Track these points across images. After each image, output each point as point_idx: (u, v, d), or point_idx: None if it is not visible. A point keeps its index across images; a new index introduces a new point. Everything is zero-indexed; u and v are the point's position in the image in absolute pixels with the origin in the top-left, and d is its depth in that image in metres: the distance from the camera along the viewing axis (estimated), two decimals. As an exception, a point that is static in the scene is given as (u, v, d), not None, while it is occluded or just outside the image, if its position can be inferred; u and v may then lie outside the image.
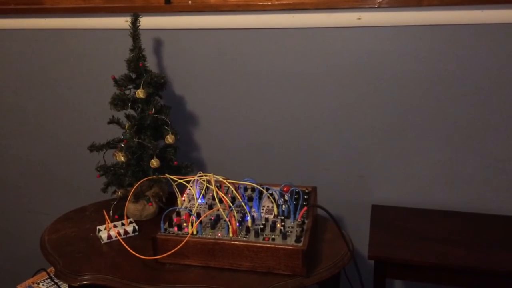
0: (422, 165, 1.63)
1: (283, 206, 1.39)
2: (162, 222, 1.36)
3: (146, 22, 1.62)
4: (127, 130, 1.54)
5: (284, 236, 1.27)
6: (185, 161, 1.65)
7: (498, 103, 1.52)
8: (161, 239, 1.31)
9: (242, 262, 1.28)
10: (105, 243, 1.46)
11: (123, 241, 1.42)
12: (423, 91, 1.57)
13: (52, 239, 1.49)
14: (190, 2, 1.71)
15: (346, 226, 1.73)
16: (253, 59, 1.70)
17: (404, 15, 1.51)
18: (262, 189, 1.43)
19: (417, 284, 1.68)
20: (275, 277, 1.25)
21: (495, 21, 1.45)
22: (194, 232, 1.32)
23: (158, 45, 1.78)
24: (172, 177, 1.50)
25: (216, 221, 1.36)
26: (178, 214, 1.40)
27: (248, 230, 1.31)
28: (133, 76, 1.57)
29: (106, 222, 1.50)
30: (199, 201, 1.46)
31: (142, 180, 1.53)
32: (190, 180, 1.48)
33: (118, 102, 1.55)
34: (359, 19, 1.55)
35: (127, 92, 1.57)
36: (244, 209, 1.38)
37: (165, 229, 1.35)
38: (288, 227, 1.32)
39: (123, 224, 1.51)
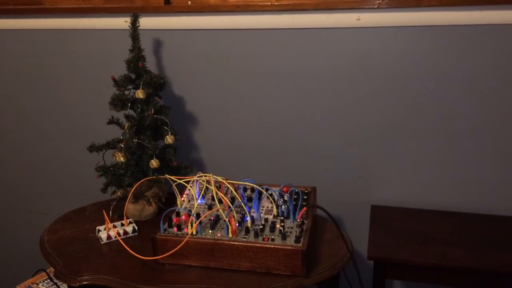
0: (421, 166, 1.63)
1: (283, 206, 1.39)
2: (161, 222, 1.36)
3: (146, 22, 1.62)
4: (127, 131, 1.54)
5: (284, 236, 1.27)
6: (185, 162, 1.65)
7: (497, 104, 1.52)
8: (160, 240, 1.31)
9: (241, 263, 1.28)
10: (105, 244, 1.46)
11: (123, 241, 1.42)
12: (423, 92, 1.57)
13: (51, 239, 1.49)
14: (189, 2, 1.72)
15: (346, 227, 1.73)
16: (252, 60, 1.70)
17: (403, 15, 1.51)
18: (261, 189, 1.44)
19: (417, 284, 1.68)
20: (274, 277, 1.25)
21: (494, 21, 1.45)
22: (194, 233, 1.32)
23: (157, 45, 1.78)
24: (172, 177, 1.50)
25: (215, 222, 1.36)
26: (178, 214, 1.40)
27: (247, 231, 1.31)
28: (133, 76, 1.58)
29: (106, 223, 1.50)
30: (199, 201, 1.46)
31: (141, 181, 1.53)
32: (190, 181, 1.48)
33: (118, 102, 1.55)
34: (358, 19, 1.55)
35: (126, 92, 1.57)
36: (244, 210, 1.38)
37: (165, 230, 1.35)
38: (288, 228, 1.32)
39: (122, 225, 1.51)
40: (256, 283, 1.24)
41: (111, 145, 1.59)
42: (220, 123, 1.81)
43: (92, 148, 1.58)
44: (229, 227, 1.30)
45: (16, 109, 2.07)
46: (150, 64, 1.69)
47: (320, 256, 1.35)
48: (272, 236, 1.29)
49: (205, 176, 1.48)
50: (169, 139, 1.56)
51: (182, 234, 1.33)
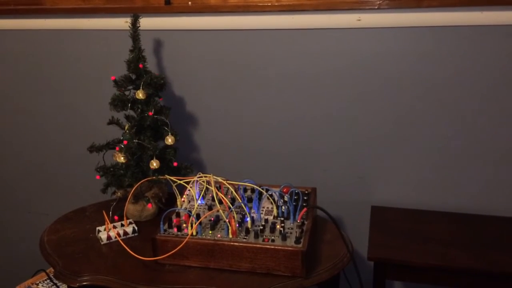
0: (421, 166, 1.63)
1: (283, 207, 1.39)
2: (161, 223, 1.36)
3: (146, 23, 1.62)
4: (127, 131, 1.54)
5: (284, 237, 1.27)
6: (185, 162, 1.65)
7: (497, 104, 1.52)
8: (160, 240, 1.31)
9: (241, 263, 1.28)
10: (105, 244, 1.46)
11: (123, 242, 1.42)
12: (423, 92, 1.57)
13: (51, 239, 1.49)
14: (190, 3, 1.71)
15: (346, 227, 1.73)
16: (252, 60, 1.70)
17: (404, 16, 1.51)
18: (261, 190, 1.43)
19: (417, 285, 1.67)
20: (274, 278, 1.25)
21: (494, 22, 1.45)
22: (194, 233, 1.32)
23: (158, 46, 1.78)
24: (172, 178, 1.50)
25: (215, 222, 1.36)
26: (178, 215, 1.40)
27: (247, 231, 1.31)
28: (133, 77, 1.58)
29: (106, 223, 1.50)
30: (199, 202, 1.46)
31: (141, 181, 1.53)
32: (190, 181, 1.48)
33: (118, 103, 1.55)
34: (359, 20, 1.55)
35: (127, 93, 1.57)
36: (244, 210, 1.38)
37: (165, 230, 1.35)
38: (288, 228, 1.32)
39: (122, 225, 1.51)
40: (256, 284, 1.24)
41: (111, 145, 1.59)
42: (221, 123, 1.80)
43: (92, 149, 1.58)
44: (229, 227, 1.30)
45: (16, 109, 2.07)
46: (151, 64, 1.69)
47: (320, 256, 1.35)
48: (272, 237, 1.29)
49: (205, 176, 1.48)
50: (169, 139, 1.56)
51: (182, 234, 1.33)
